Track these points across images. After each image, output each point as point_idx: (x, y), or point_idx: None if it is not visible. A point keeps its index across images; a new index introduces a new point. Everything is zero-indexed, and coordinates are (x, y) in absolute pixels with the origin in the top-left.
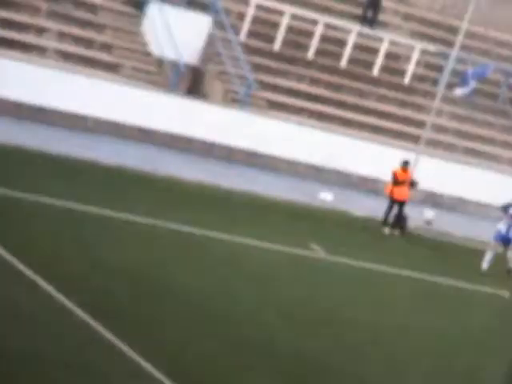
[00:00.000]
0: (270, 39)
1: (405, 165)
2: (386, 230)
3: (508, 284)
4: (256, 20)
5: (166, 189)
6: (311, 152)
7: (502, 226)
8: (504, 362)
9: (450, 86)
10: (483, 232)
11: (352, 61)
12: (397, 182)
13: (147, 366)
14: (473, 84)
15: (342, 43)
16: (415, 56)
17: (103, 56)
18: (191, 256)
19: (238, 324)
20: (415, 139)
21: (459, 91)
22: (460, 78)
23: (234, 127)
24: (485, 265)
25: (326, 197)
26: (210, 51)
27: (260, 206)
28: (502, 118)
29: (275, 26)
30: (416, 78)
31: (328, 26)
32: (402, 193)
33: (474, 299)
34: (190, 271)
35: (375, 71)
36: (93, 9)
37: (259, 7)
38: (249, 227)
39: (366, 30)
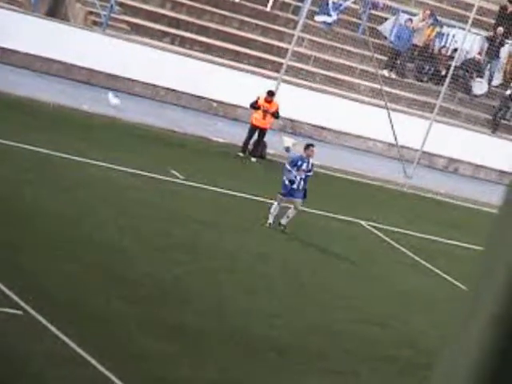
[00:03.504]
0: None
1: (269, 94)
2: (243, 156)
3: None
4: None
5: (24, 110)
6: (172, 77)
7: (292, 179)
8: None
9: (312, 14)
10: (340, 160)
11: None
12: (257, 107)
13: (6, 290)
14: (334, 15)
15: None
16: None
17: None
18: (49, 179)
19: (98, 249)
20: (276, 67)
21: (319, 18)
22: (321, 7)
23: (94, 50)
24: (270, 219)
25: (112, 99)
26: None
27: (120, 130)
28: (361, 48)
29: None
30: (278, 5)
31: None
32: (263, 121)
33: (336, 228)
34: (48, 194)
35: None
36: None
37: None
38: (108, 151)
39: None
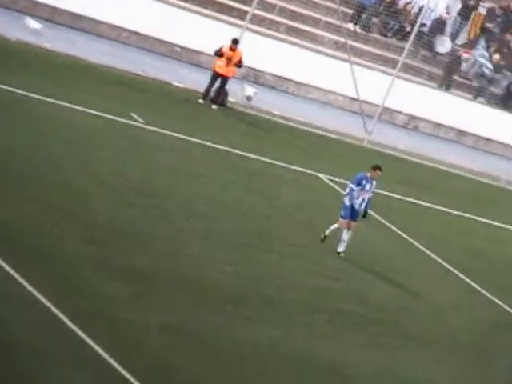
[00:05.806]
0: None
1: (234, 43)
2: (204, 103)
3: (322, 166)
4: None
5: None
6: (136, 19)
7: (354, 201)
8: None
9: None
10: (301, 112)
11: None
12: (220, 55)
13: None
14: None
15: None
16: None
17: None
18: (7, 116)
19: (55, 188)
20: (241, 15)
21: None
22: None
23: None
24: (341, 247)
25: (33, 24)
26: None
27: (82, 69)
28: None
29: None
30: None
31: None
32: (226, 69)
33: (292, 179)
34: (9, 133)
35: None
36: None
37: None
38: (69, 90)
39: None
